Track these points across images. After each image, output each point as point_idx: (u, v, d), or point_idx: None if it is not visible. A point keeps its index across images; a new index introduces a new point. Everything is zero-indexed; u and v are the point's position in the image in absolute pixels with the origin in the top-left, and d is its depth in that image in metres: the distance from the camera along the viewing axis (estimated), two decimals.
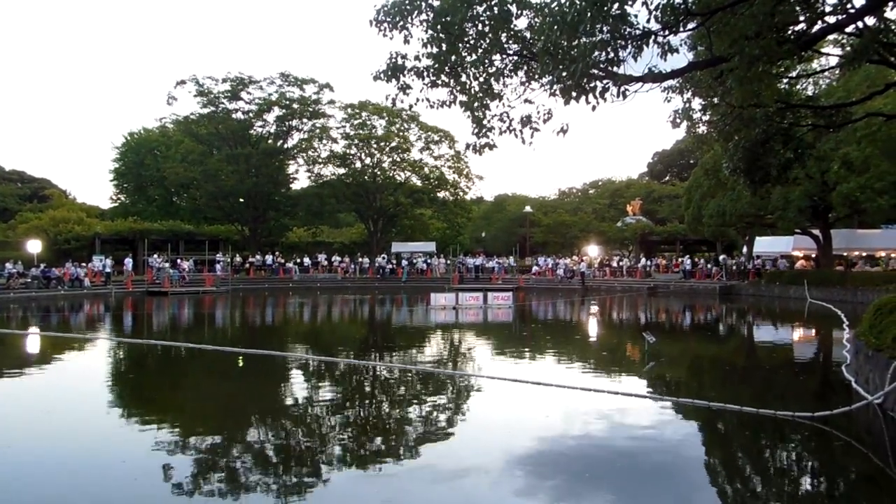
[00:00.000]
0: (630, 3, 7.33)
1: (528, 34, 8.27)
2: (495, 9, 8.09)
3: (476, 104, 8.76)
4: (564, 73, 7.33)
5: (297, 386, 11.25)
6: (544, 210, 59.97)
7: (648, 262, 43.72)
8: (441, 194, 52.37)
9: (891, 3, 8.42)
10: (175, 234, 46.43)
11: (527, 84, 8.61)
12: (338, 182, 50.05)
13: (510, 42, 8.43)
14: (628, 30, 7.52)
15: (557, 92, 7.87)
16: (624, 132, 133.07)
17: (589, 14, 6.94)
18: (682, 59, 8.78)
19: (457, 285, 38.83)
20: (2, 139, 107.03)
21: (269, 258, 45.88)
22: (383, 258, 48.06)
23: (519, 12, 8.20)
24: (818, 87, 23.33)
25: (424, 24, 8.38)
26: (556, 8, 7.24)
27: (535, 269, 45.58)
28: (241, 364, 13.11)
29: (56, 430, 7.99)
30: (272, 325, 22.32)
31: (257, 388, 10.86)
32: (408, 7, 8.28)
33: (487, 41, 8.36)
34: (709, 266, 41.42)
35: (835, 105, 13.05)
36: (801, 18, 8.36)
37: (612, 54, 7.62)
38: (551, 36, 7.29)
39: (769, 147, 10.99)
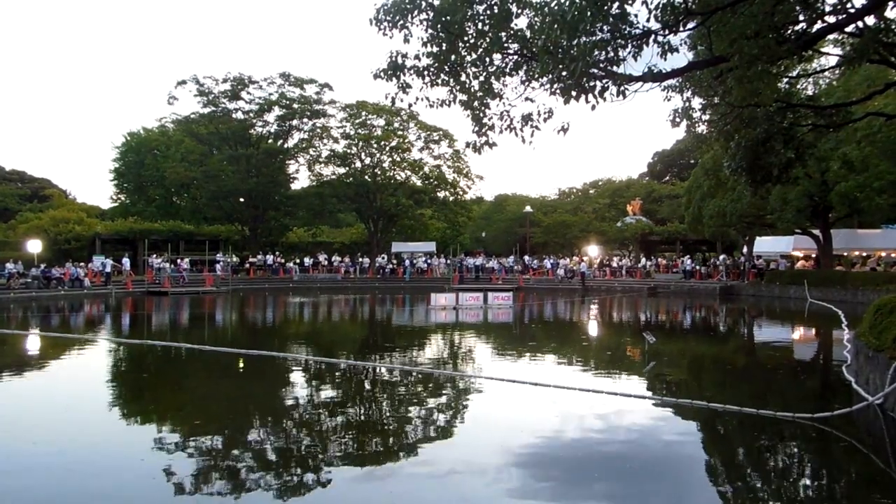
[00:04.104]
0: (630, 2, 7.33)
1: (528, 33, 8.25)
2: (495, 8, 8.08)
3: (476, 103, 8.75)
4: (564, 73, 7.33)
5: (298, 386, 11.24)
6: (544, 210, 59.93)
7: (648, 263, 43.72)
8: (441, 194, 52.31)
9: (891, 3, 8.42)
10: (175, 234, 46.41)
11: (527, 83, 8.59)
12: (338, 182, 50.03)
13: (510, 41, 8.41)
14: (628, 29, 7.52)
15: (557, 91, 7.87)
16: (624, 132, 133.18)
17: (589, 13, 6.93)
18: (681, 58, 8.78)
19: (457, 285, 38.82)
20: (2, 139, 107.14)
21: (269, 258, 45.89)
22: (383, 258, 48.06)
23: (519, 11, 8.18)
24: (818, 87, 23.31)
25: (424, 23, 8.37)
26: (556, 7, 7.23)
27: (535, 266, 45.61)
28: (242, 365, 13.10)
29: (73, 428, 8.08)
30: (272, 326, 22.31)
31: (260, 389, 10.84)
32: (408, 6, 8.27)
33: (487, 40, 8.34)
34: (698, 267, 41.43)
35: (835, 105, 13.05)
36: (801, 18, 8.35)
37: (611, 54, 7.62)
38: (551, 35, 7.28)
39: (770, 146, 10.99)
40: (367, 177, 49.40)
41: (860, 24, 8.90)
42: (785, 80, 11.55)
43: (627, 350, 15.94)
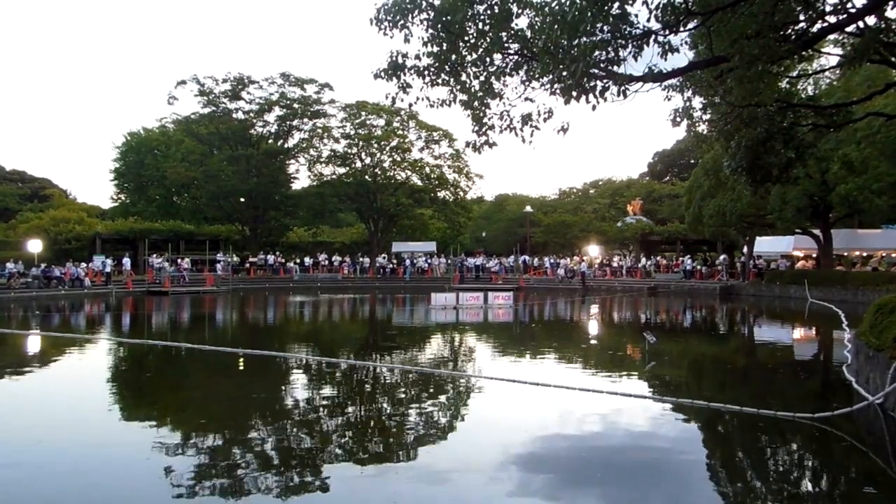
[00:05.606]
0: (630, 2, 7.32)
1: (528, 33, 8.25)
2: (496, 8, 8.08)
3: (476, 103, 8.74)
4: (565, 73, 7.33)
5: (299, 386, 11.25)
6: (545, 210, 59.90)
7: (648, 262, 43.70)
8: (441, 194, 52.28)
9: (891, 3, 8.41)
10: (176, 233, 46.44)
11: (527, 83, 8.58)
12: (338, 182, 50.02)
13: (511, 41, 8.40)
14: (629, 29, 7.52)
15: (558, 91, 7.86)
16: (624, 132, 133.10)
17: (589, 13, 6.93)
18: (682, 58, 8.77)
19: (457, 285, 38.80)
20: (2, 139, 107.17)
21: (269, 258, 45.91)
22: (384, 258, 48.06)
23: (519, 11, 8.18)
24: (819, 87, 23.32)
25: (425, 22, 8.36)
26: (557, 7, 7.23)
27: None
28: (242, 365, 13.11)
29: (76, 428, 8.10)
30: (273, 325, 22.32)
31: (261, 389, 10.83)
32: (408, 6, 8.26)
33: (488, 40, 8.34)
34: (699, 267, 41.42)
35: (835, 105, 13.05)
36: (802, 18, 8.35)
37: (612, 54, 7.62)
38: (552, 35, 7.28)
39: (770, 146, 10.97)
40: (367, 177, 49.38)
41: (861, 23, 8.90)
42: (785, 79, 11.54)
43: (628, 350, 15.94)
